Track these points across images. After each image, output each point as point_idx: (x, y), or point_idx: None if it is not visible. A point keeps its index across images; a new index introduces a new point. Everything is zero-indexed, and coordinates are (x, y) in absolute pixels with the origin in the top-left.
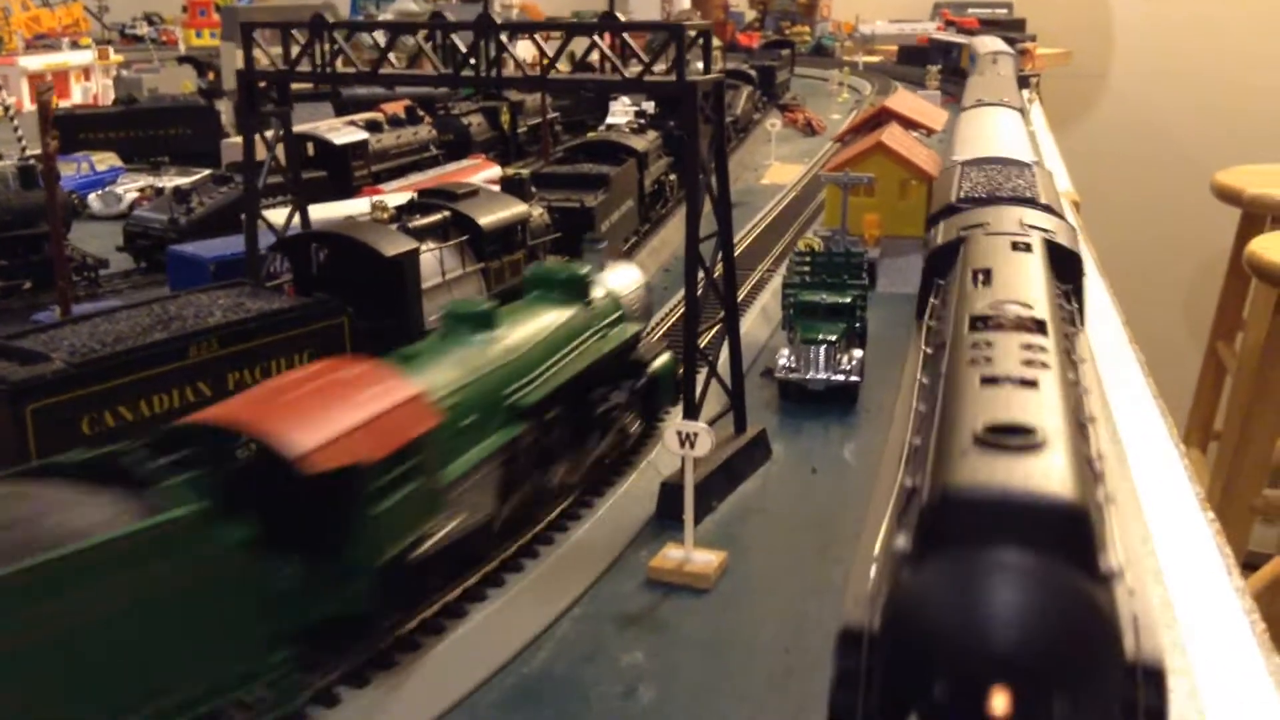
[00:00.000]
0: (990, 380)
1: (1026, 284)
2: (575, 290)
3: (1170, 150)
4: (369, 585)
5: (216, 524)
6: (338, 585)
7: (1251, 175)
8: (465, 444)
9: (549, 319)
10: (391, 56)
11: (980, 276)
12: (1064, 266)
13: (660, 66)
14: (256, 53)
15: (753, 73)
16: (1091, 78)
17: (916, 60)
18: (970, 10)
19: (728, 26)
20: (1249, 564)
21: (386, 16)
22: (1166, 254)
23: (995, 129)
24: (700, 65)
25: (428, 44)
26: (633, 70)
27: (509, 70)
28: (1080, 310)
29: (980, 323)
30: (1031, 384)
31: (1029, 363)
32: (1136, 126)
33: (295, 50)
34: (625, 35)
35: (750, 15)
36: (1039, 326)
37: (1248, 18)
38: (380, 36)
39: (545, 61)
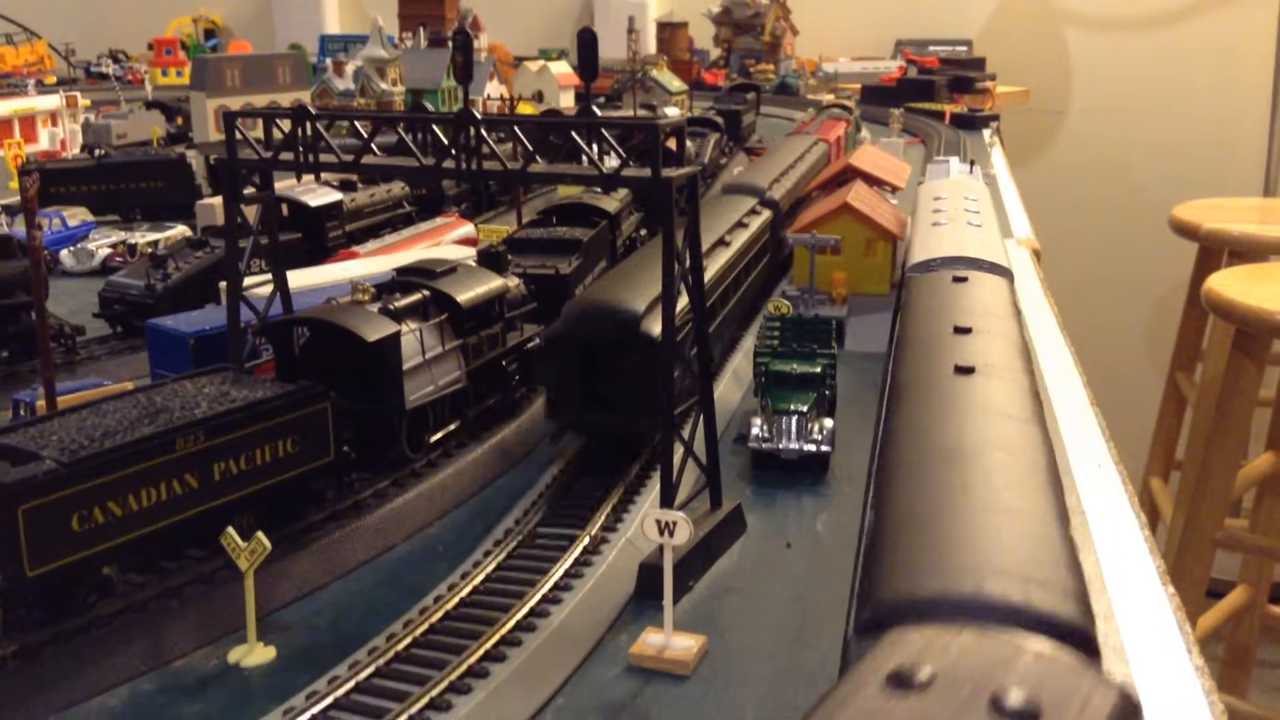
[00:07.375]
0: None
1: None
2: None
3: (1129, 184)
4: None
5: None
6: None
7: (1208, 210)
8: None
9: None
10: (374, 144)
11: None
12: None
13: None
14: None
15: (719, 119)
16: (1050, 114)
17: (879, 99)
18: (931, 48)
19: (694, 65)
20: (1213, 592)
21: (356, 63)
22: (1128, 285)
23: None
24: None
25: (409, 135)
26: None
27: (490, 163)
28: None
29: None
30: None
31: None
32: (1095, 161)
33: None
34: (604, 130)
35: (715, 53)
36: None
37: (1205, 51)
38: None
39: (524, 154)
